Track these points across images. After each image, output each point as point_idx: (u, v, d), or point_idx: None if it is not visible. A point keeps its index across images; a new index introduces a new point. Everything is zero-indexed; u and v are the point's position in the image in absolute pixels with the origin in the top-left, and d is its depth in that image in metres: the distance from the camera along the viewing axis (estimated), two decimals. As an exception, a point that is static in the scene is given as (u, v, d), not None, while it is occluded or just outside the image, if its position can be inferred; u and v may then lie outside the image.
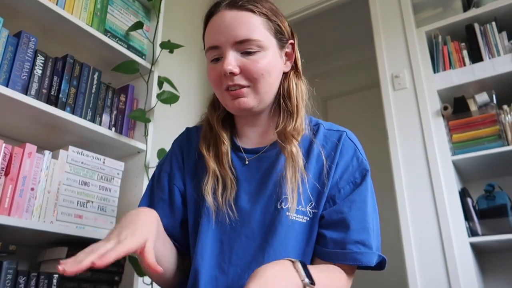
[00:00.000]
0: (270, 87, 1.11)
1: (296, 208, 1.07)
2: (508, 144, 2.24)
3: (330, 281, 0.99)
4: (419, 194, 2.42)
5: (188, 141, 1.28)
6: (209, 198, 1.11)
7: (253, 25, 1.07)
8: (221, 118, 1.22)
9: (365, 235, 1.03)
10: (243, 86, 1.08)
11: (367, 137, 3.92)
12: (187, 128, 1.33)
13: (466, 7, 2.69)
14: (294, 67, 1.21)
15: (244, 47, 1.07)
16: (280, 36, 1.14)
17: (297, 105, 1.15)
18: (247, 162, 1.16)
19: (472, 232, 2.24)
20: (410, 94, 2.64)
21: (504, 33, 2.48)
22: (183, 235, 1.20)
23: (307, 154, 1.13)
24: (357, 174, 1.11)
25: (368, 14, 3.02)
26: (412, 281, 2.28)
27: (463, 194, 2.34)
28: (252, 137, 1.21)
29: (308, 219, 1.07)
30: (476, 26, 2.57)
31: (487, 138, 2.31)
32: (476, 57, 2.51)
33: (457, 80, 2.49)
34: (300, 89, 1.19)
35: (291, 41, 1.19)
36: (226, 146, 1.16)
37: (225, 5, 1.10)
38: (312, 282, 0.90)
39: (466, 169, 2.50)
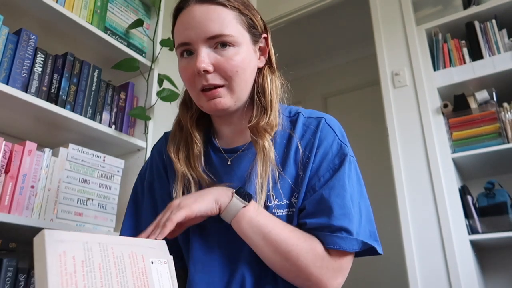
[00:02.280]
0: (245, 84, 1.07)
1: (281, 203, 1.04)
2: (508, 142, 2.24)
3: (291, 229, 0.99)
4: (419, 192, 2.42)
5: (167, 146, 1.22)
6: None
7: (225, 20, 1.03)
8: (195, 118, 1.17)
9: (346, 221, 0.98)
10: (218, 86, 1.03)
11: (367, 135, 3.95)
12: (165, 133, 1.30)
13: (466, 5, 2.68)
14: (268, 62, 1.17)
15: (217, 42, 1.02)
16: (253, 31, 1.10)
17: (271, 100, 1.11)
18: (229, 163, 1.13)
19: (472, 230, 2.24)
20: (410, 91, 2.63)
21: (504, 31, 2.48)
22: (172, 245, 1.18)
23: (287, 146, 1.10)
24: (337, 160, 1.06)
25: (368, 11, 3.02)
26: (412, 279, 2.29)
27: (463, 192, 2.34)
28: (230, 136, 1.17)
29: (295, 210, 1.04)
30: (476, 23, 2.57)
31: (487, 136, 2.31)
32: (476, 54, 2.51)
33: (457, 78, 2.49)
34: (274, 84, 1.14)
35: (265, 35, 1.15)
36: (199, 147, 1.12)
37: None
38: (244, 200, 0.96)
39: (466, 166, 2.50)
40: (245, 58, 1.05)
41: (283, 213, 1.04)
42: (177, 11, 1.09)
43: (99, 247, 0.79)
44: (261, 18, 1.15)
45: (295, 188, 1.05)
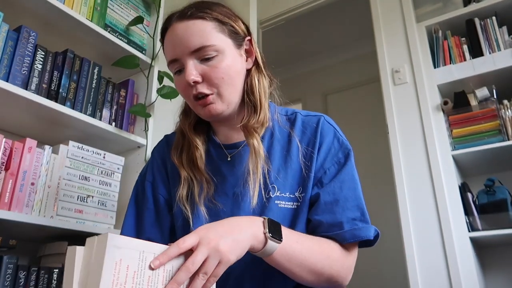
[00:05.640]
0: (234, 88, 1.13)
1: (283, 195, 1.10)
2: (508, 139, 2.24)
3: (318, 246, 1.02)
4: (419, 189, 2.42)
5: (168, 148, 1.29)
6: (183, 203, 1.14)
7: (205, 32, 1.10)
8: (193, 124, 1.23)
9: (360, 211, 1.07)
10: (208, 94, 1.10)
11: (367, 132, 3.95)
12: (166, 135, 1.36)
13: (466, 2, 2.68)
14: (256, 63, 1.22)
15: (201, 54, 1.09)
16: (235, 36, 1.16)
17: (260, 99, 1.17)
18: (229, 159, 1.19)
19: (472, 227, 2.24)
20: (410, 88, 2.63)
21: (504, 28, 2.48)
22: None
23: (288, 142, 1.17)
24: (340, 154, 1.14)
25: (368, 8, 3.02)
26: (413, 276, 2.29)
27: (463, 189, 2.34)
28: (229, 134, 1.23)
29: (299, 204, 1.10)
30: (477, 20, 2.57)
31: (487, 133, 2.31)
32: (476, 52, 2.51)
33: (457, 75, 2.49)
34: (262, 83, 1.20)
35: (248, 37, 1.20)
36: (200, 151, 1.18)
37: (176, 18, 1.13)
38: (279, 238, 0.93)
39: (466, 164, 2.50)
40: (230, 63, 1.12)
41: (287, 206, 1.10)
42: (163, 32, 1.17)
43: (153, 258, 0.79)
44: (243, 22, 1.22)
45: (299, 183, 1.12)
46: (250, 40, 1.21)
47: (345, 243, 1.05)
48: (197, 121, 1.24)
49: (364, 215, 1.07)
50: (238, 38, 1.16)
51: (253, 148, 1.10)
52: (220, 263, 0.83)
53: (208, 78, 1.09)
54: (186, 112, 1.27)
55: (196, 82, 1.08)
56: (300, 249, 0.98)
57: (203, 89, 1.09)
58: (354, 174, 1.13)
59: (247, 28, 1.22)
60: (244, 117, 1.15)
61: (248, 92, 1.18)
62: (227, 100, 1.12)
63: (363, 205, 1.09)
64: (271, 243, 0.92)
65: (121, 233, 1.21)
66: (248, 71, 1.20)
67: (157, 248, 0.80)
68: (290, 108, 1.27)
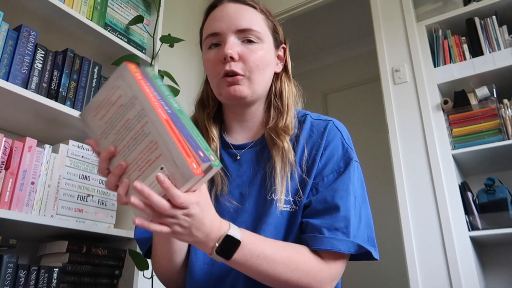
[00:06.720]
0: (263, 80, 1.15)
1: (284, 199, 1.09)
2: (508, 138, 2.24)
3: (286, 258, 0.97)
4: (419, 188, 2.42)
5: None
6: None
7: (254, 18, 1.15)
8: (211, 114, 1.24)
9: (345, 223, 1.02)
10: (239, 74, 1.10)
11: (367, 131, 3.94)
12: None
13: (466, 1, 2.68)
14: (285, 70, 1.27)
15: (246, 35, 1.12)
16: (276, 36, 1.21)
17: (288, 104, 1.20)
18: (238, 158, 1.18)
19: (472, 226, 2.24)
20: (410, 88, 2.63)
21: (504, 27, 2.48)
22: None
23: (294, 145, 1.15)
24: (342, 163, 1.12)
25: (368, 7, 3.02)
26: (413, 275, 2.29)
27: (463, 188, 2.34)
28: (240, 133, 1.23)
29: (297, 208, 1.09)
30: (477, 20, 2.57)
31: (487, 132, 2.31)
32: (476, 51, 2.51)
33: (457, 74, 2.49)
34: (291, 90, 1.24)
35: (284, 45, 1.26)
36: (216, 143, 1.18)
37: (229, 0, 1.17)
38: (226, 257, 0.89)
39: (466, 163, 2.50)
40: (267, 55, 1.15)
41: (286, 209, 1.09)
42: (210, 9, 1.20)
43: (139, 110, 0.80)
44: (282, 32, 1.27)
45: (299, 187, 1.10)
46: (285, 49, 1.27)
47: (322, 252, 1.01)
48: (214, 112, 1.25)
49: (347, 228, 1.02)
50: (277, 39, 1.22)
51: (283, 150, 1.10)
52: (181, 227, 0.80)
53: (245, 59, 1.11)
54: (203, 101, 1.28)
55: (232, 58, 1.09)
56: (259, 263, 0.93)
57: (237, 68, 1.10)
58: (349, 185, 1.08)
59: (285, 38, 1.28)
60: (271, 119, 1.18)
61: (276, 95, 1.21)
62: (254, 87, 1.13)
63: (351, 218, 1.03)
64: (216, 256, 0.88)
65: (135, 232, 1.21)
66: (276, 75, 1.24)
67: (149, 106, 0.78)
68: (301, 110, 1.27)
